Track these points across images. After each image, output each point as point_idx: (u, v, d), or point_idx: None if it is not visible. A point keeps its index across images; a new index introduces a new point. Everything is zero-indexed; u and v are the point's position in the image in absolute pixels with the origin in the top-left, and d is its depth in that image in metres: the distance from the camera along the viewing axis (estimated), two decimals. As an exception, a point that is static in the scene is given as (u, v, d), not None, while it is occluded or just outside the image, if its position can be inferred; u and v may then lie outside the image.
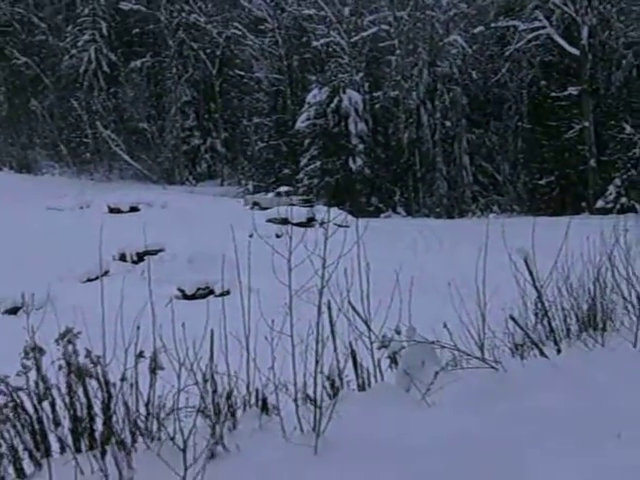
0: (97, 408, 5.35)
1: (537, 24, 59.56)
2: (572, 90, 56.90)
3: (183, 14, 74.83)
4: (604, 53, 61.10)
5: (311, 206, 50.31)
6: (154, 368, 5.51)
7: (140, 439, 5.42)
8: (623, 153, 55.26)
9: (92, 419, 5.34)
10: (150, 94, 77.51)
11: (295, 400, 5.80)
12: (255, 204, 52.96)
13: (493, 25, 63.99)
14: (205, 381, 5.56)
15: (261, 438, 5.54)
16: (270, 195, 54.83)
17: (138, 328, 5.47)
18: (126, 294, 6.11)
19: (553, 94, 57.90)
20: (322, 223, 37.13)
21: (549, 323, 7.87)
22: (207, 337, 5.75)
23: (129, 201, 46.62)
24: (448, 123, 64.45)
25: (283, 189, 55.55)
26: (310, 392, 5.84)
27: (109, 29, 77.29)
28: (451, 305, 7.79)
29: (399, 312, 7.00)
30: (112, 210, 45.23)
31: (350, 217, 34.52)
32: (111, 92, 76.61)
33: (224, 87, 76.48)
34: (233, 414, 5.74)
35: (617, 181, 54.80)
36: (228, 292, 24.78)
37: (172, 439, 5.10)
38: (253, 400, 5.96)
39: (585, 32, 56.89)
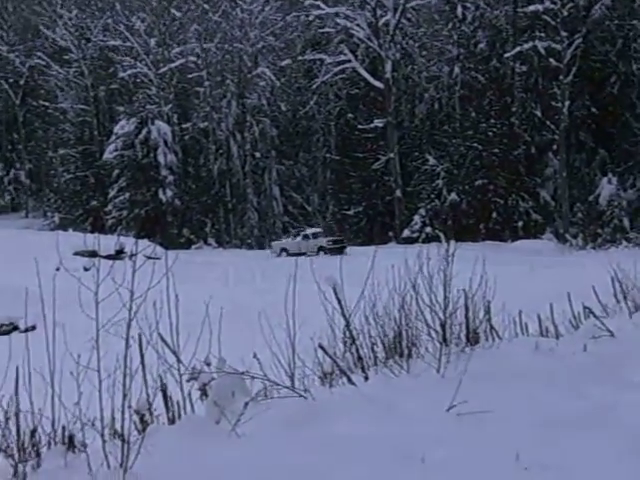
0: None
1: (343, 58, 60.89)
2: (378, 122, 58.28)
3: (-17, 42, 72.81)
4: (407, 87, 63.07)
5: (343, 247, 49.04)
6: (-48, 408, 5.30)
7: None
8: (427, 184, 56.97)
9: None
10: (-51, 124, 75.04)
11: (102, 436, 5.68)
12: (283, 250, 51.57)
13: (300, 58, 65.04)
14: (7, 419, 5.39)
15: (66, 476, 5.40)
16: (298, 239, 52.94)
17: None
18: None
19: (360, 126, 59.20)
20: (131, 255, 36.56)
21: (357, 351, 8.00)
22: (10, 374, 5.58)
23: None
24: (258, 154, 64.98)
25: (310, 231, 54.01)
26: (118, 427, 5.73)
27: None
28: (262, 335, 7.80)
29: (209, 344, 6.95)
30: None
31: (160, 249, 34.23)
32: None
33: (28, 117, 74.72)
34: (37, 452, 5.58)
35: (422, 211, 56.40)
36: (34, 327, 23.99)
37: (-29, 481, 4.92)
38: (59, 437, 5.81)
39: (389, 66, 58.51)
